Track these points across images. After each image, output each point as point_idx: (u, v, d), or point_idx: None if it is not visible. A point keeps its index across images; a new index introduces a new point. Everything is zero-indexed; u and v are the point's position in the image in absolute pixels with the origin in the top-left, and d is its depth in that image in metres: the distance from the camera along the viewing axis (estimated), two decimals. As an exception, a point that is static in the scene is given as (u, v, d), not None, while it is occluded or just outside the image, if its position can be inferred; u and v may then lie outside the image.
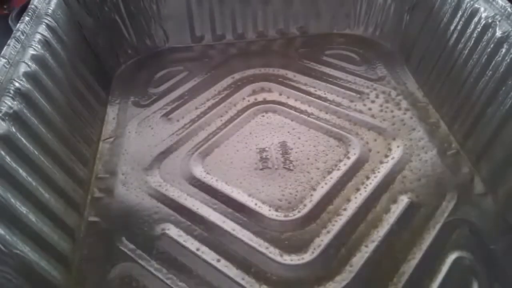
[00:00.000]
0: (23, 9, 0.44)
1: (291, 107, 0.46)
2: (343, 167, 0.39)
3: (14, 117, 0.31)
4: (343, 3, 0.56)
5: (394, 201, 0.36)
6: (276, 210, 0.36)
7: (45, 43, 0.38)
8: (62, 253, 0.32)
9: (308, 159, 0.40)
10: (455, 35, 0.42)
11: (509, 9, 0.36)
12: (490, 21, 0.37)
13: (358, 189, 0.37)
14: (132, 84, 0.51)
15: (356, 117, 0.44)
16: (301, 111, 0.45)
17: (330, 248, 0.33)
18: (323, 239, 0.33)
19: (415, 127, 0.43)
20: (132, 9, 0.52)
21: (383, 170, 0.39)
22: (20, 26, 0.37)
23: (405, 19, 0.52)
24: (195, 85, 0.50)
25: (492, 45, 0.37)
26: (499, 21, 0.36)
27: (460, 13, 0.41)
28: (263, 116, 0.45)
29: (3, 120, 0.30)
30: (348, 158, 0.40)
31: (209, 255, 0.33)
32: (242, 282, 0.31)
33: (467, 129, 0.40)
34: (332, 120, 0.44)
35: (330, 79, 0.50)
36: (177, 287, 0.31)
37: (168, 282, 0.31)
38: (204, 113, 0.46)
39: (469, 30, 0.40)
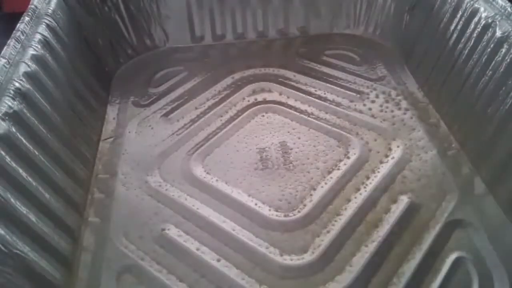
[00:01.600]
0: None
1: (291, 107, 0.46)
2: (343, 167, 0.39)
3: (14, 117, 0.31)
4: (343, 3, 0.56)
5: (394, 201, 0.36)
6: (276, 210, 0.36)
7: (45, 43, 0.38)
8: (62, 253, 0.32)
9: (308, 159, 0.40)
10: (455, 35, 0.42)
11: (509, 9, 0.36)
12: (490, 21, 0.37)
13: (358, 189, 0.37)
14: (132, 84, 0.51)
15: (356, 117, 0.44)
16: (301, 111, 0.45)
17: (330, 248, 0.33)
18: (323, 239, 0.33)
19: (415, 127, 0.43)
20: (132, 9, 0.52)
21: (383, 170, 0.39)
22: (20, 26, 0.37)
23: (405, 19, 0.52)
24: (195, 85, 0.50)
25: (492, 45, 0.37)
26: (499, 21, 0.36)
27: (460, 13, 0.41)
28: (263, 116, 0.45)
29: (3, 120, 0.30)
30: (348, 158, 0.40)
31: (209, 255, 0.33)
32: (242, 282, 0.31)
33: (467, 129, 0.40)
34: (332, 120, 0.44)
35: (330, 79, 0.50)
36: (177, 287, 0.31)
37: (168, 282, 0.31)
38: (204, 113, 0.46)
39: (469, 30, 0.40)
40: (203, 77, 0.51)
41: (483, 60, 0.38)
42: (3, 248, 0.26)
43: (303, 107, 0.46)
